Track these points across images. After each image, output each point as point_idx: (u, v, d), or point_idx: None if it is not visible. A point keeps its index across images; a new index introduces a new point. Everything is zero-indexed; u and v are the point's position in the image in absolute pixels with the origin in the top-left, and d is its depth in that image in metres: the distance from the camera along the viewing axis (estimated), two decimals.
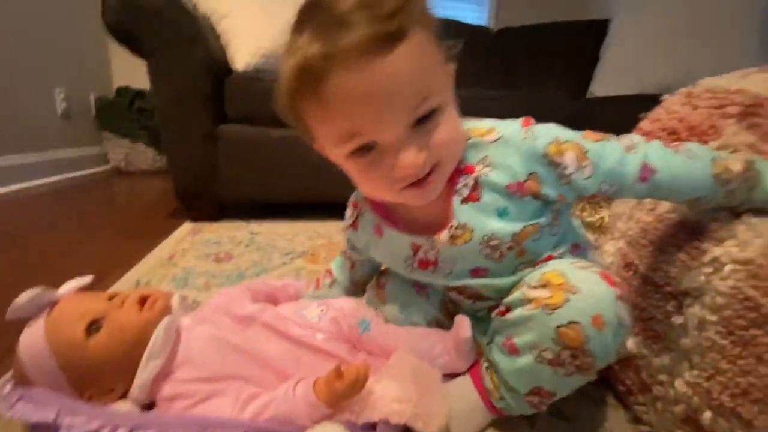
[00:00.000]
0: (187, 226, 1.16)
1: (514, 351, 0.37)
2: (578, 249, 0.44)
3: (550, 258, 0.40)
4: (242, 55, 1.20)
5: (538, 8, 2.43)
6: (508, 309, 0.39)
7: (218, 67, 1.17)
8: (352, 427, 0.36)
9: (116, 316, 0.39)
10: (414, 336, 0.46)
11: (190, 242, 1.02)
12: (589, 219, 1.16)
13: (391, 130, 0.33)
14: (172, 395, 0.37)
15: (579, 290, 0.33)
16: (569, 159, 0.36)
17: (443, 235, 0.40)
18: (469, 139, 0.39)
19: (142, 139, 2.16)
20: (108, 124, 2.13)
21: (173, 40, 1.07)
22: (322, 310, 0.47)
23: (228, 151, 1.18)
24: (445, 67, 0.36)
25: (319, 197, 1.21)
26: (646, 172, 0.36)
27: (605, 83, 1.71)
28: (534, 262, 0.40)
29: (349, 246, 0.55)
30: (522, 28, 2.04)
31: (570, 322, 0.33)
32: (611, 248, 0.52)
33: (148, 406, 0.39)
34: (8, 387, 0.37)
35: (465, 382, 0.43)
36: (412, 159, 0.33)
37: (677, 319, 0.38)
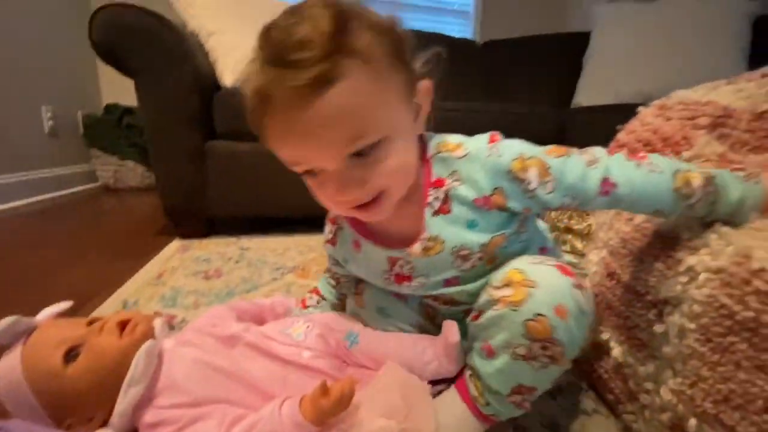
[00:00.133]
0: (176, 244, 1.15)
1: (490, 353, 0.39)
2: (546, 251, 0.46)
3: None
4: (230, 71, 1.21)
5: (522, 21, 2.49)
6: (480, 313, 0.40)
7: (206, 83, 1.18)
8: None
9: (95, 342, 0.38)
10: (403, 344, 0.46)
11: (179, 260, 1.01)
12: (576, 227, 1.18)
13: (328, 163, 0.35)
14: (154, 422, 0.36)
15: (538, 284, 0.35)
16: (532, 175, 0.38)
17: (416, 247, 0.42)
18: (439, 153, 0.41)
19: (131, 156, 2.15)
20: (96, 141, 2.12)
21: (161, 58, 1.08)
22: (308, 327, 0.46)
23: (217, 167, 1.18)
24: (398, 98, 0.36)
25: (309, 211, 1.20)
26: (607, 186, 0.37)
27: (589, 93, 1.74)
28: None
29: (331, 262, 0.56)
30: (507, 41, 2.09)
31: (536, 315, 0.34)
32: (595, 257, 0.53)
33: None
34: None
35: (451, 395, 0.43)
36: (344, 196, 0.36)
37: (659, 328, 0.39)
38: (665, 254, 0.40)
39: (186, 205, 1.18)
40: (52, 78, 1.94)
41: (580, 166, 0.38)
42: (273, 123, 0.34)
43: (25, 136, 1.75)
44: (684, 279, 0.36)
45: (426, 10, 2.63)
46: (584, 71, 1.81)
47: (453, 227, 0.40)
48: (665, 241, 0.41)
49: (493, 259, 0.42)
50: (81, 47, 2.05)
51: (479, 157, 0.39)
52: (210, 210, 1.20)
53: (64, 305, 0.43)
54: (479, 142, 0.40)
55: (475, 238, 0.40)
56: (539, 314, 0.34)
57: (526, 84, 1.95)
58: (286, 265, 0.98)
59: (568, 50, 1.92)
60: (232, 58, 1.22)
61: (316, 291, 0.60)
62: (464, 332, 0.45)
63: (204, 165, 1.17)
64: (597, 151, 0.40)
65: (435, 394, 0.43)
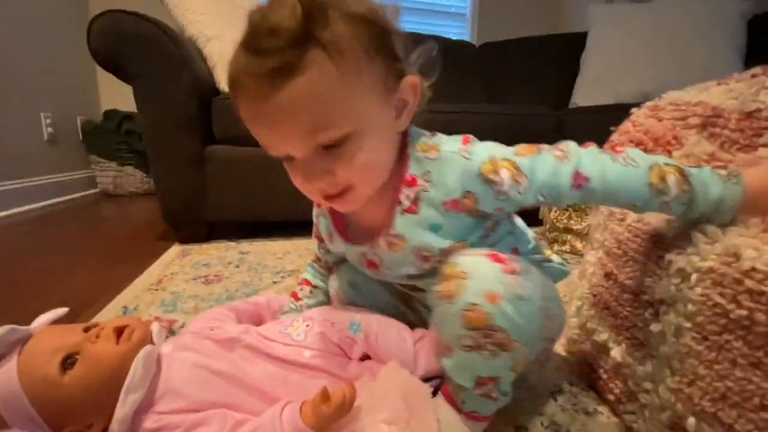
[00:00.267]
0: (175, 249, 1.15)
1: (446, 349, 0.39)
2: (516, 253, 0.45)
3: None
4: None
5: (518, 23, 2.50)
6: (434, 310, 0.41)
7: (205, 88, 1.18)
8: None
9: (92, 349, 0.38)
10: (401, 336, 0.47)
11: (179, 265, 1.01)
12: (576, 227, 1.18)
13: (295, 151, 0.36)
14: (155, 428, 0.36)
15: (469, 274, 0.36)
16: (505, 176, 0.38)
17: (381, 241, 0.43)
18: (416, 152, 0.41)
19: (131, 162, 2.16)
20: (95, 147, 2.13)
21: (159, 64, 1.08)
22: (307, 326, 0.46)
23: (216, 172, 1.18)
24: (372, 93, 0.36)
25: (308, 215, 1.21)
26: (579, 180, 0.37)
27: (586, 94, 1.75)
28: None
29: (323, 250, 0.57)
30: (503, 42, 2.10)
31: (469, 305, 0.35)
32: (592, 258, 0.53)
33: None
34: None
35: (439, 401, 0.43)
36: (310, 185, 0.37)
37: (655, 327, 0.39)
38: (655, 254, 0.40)
39: (185, 210, 1.18)
40: (51, 85, 1.94)
41: (550, 162, 0.38)
42: (243, 108, 0.35)
43: (24, 143, 1.75)
44: (676, 280, 0.36)
45: (423, 13, 2.64)
46: (581, 72, 1.82)
47: (417, 228, 0.41)
48: (655, 241, 0.41)
49: None
50: (80, 54, 2.06)
51: (451, 160, 0.39)
52: (209, 215, 1.21)
53: (60, 312, 0.42)
54: (452, 145, 0.41)
55: (436, 243, 0.41)
56: (472, 303, 0.35)
57: (523, 85, 1.96)
58: (285, 269, 0.98)
59: (565, 51, 1.93)
60: None
61: (306, 282, 0.59)
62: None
63: (203, 170, 1.17)
64: (568, 145, 0.39)
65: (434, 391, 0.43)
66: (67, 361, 0.37)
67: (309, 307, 0.57)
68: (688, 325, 0.35)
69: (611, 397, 0.48)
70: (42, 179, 1.83)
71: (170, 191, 1.17)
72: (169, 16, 1.28)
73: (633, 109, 0.57)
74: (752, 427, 0.32)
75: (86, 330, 0.40)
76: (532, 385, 0.53)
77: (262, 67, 0.31)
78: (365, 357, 0.48)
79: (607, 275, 0.48)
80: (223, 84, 1.22)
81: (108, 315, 0.73)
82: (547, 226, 1.26)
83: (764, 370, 0.30)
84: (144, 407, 0.37)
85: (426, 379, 0.43)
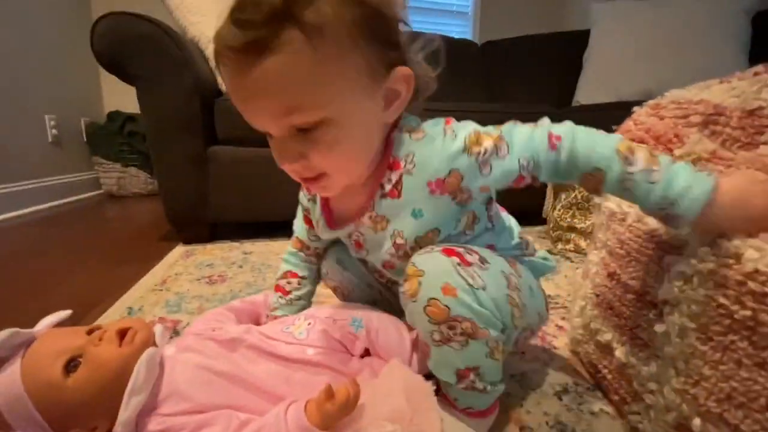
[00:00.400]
0: (179, 249, 1.15)
1: (426, 347, 0.39)
2: (492, 249, 0.45)
3: None
4: None
5: (521, 21, 2.49)
6: None
7: (207, 89, 1.19)
8: None
9: (95, 352, 0.38)
10: (399, 334, 0.47)
11: (182, 265, 1.01)
12: (579, 225, 1.18)
13: (270, 129, 0.36)
14: (159, 430, 0.36)
15: (424, 271, 0.37)
16: (487, 144, 0.38)
17: (365, 218, 0.43)
18: (401, 133, 0.41)
19: (134, 163, 2.17)
20: (99, 149, 2.14)
21: (162, 66, 1.09)
22: (309, 324, 0.47)
23: (219, 172, 1.19)
24: (354, 81, 0.34)
25: None
26: (553, 139, 0.38)
27: (589, 92, 1.74)
28: None
29: (312, 237, 0.56)
30: (506, 41, 2.09)
31: (429, 300, 0.36)
32: (595, 258, 0.53)
33: None
34: None
35: (440, 400, 0.43)
36: (284, 166, 0.38)
37: (660, 327, 0.39)
38: (657, 255, 0.40)
39: (189, 210, 1.19)
40: (55, 87, 1.96)
41: (526, 128, 0.40)
42: (224, 80, 0.35)
43: (29, 145, 1.77)
44: (678, 282, 0.36)
45: (425, 12, 2.64)
46: (584, 70, 1.81)
47: (398, 211, 0.41)
48: (655, 242, 0.41)
49: None
50: (83, 56, 2.08)
51: (436, 139, 0.39)
52: (212, 215, 1.21)
53: (63, 314, 0.42)
54: (436, 126, 0.41)
55: (414, 228, 0.41)
56: (431, 298, 0.35)
57: (525, 83, 1.95)
58: None
59: (568, 49, 1.92)
60: None
61: (292, 274, 0.58)
62: None
63: (206, 171, 1.18)
64: (543, 119, 0.41)
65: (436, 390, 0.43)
66: (71, 364, 0.37)
67: (300, 298, 0.57)
68: (693, 325, 0.35)
69: (616, 398, 0.48)
70: (46, 181, 1.84)
71: (173, 192, 1.17)
72: (171, 17, 1.28)
73: (635, 108, 0.56)
74: (758, 427, 0.31)
75: (89, 332, 0.40)
76: (537, 384, 0.53)
77: (238, 40, 0.31)
78: (366, 353, 0.48)
79: (611, 275, 0.48)
80: (225, 85, 1.22)
81: (113, 316, 0.73)
82: (551, 225, 1.26)
83: None
84: (147, 410, 0.37)
85: (428, 378, 0.43)
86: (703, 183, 0.33)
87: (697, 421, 0.36)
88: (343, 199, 0.45)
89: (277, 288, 0.58)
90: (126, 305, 0.78)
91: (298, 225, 0.57)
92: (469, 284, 0.36)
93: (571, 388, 0.53)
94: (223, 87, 1.23)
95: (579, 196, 1.16)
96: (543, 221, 1.33)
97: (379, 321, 0.48)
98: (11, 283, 0.93)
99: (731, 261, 0.32)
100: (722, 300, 0.32)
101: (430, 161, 0.39)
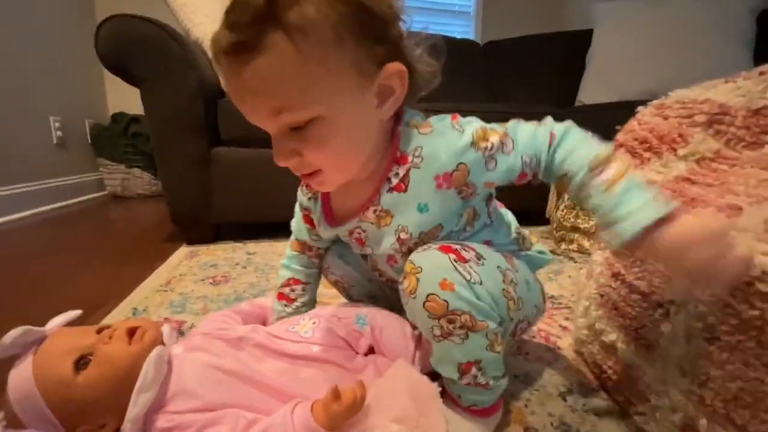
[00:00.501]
0: (183, 250, 1.16)
1: (425, 343, 0.40)
2: (490, 244, 0.46)
3: None
4: None
5: (523, 21, 2.49)
6: None
7: (211, 90, 1.19)
8: None
9: (105, 350, 0.38)
10: (402, 332, 0.47)
11: (186, 266, 1.02)
12: (583, 225, 1.17)
13: (265, 127, 0.37)
14: (167, 428, 0.36)
15: (422, 268, 0.37)
16: (494, 139, 0.40)
17: (369, 212, 0.44)
18: (407, 128, 0.41)
19: (138, 164, 2.18)
20: (103, 150, 2.15)
21: (165, 68, 1.09)
22: (314, 323, 0.47)
23: (222, 173, 1.19)
24: (341, 79, 0.34)
25: None
26: (551, 138, 0.40)
27: (592, 92, 1.74)
28: None
29: (314, 237, 0.55)
30: (508, 40, 2.09)
31: (428, 296, 0.36)
32: (599, 258, 0.53)
33: None
34: (0, 428, 0.37)
35: (445, 401, 0.43)
36: (280, 162, 0.38)
37: (666, 327, 0.38)
38: None
39: (192, 211, 1.19)
40: (60, 89, 1.97)
41: (530, 126, 0.41)
42: (222, 78, 0.37)
43: (34, 147, 1.78)
44: (685, 282, 0.36)
45: (427, 12, 2.64)
46: (587, 69, 1.80)
47: (403, 205, 0.41)
48: None
49: None
50: (87, 57, 2.09)
51: (444, 134, 0.40)
52: (216, 216, 1.22)
53: (73, 314, 0.43)
54: (443, 121, 0.42)
55: (419, 222, 0.41)
56: (430, 294, 0.36)
57: (528, 83, 1.95)
58: None
59: (570, 49, 1.91)
60: None
61: (295, 281, 0.57)
62: None
63: (209, 171, 1.18)
64: (547, 118, 0.42)
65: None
66: (81, 362, 0.38)
67: (304, 305, 0.57)
68: (699, 325, 0.34)
69: (621, 398, 0.48)
70: (51, 182, 1.85)
71: (177, 193, 1.18)
72: (175, 19, 1.29)
73: (639, 108, 0.56)
74: (765, 428, 0.31)
75: (99, 331, 0.41)
76: (541, 385, 0.53)
77: (227, 41, 0.32)
78: (370, 351, 0.48)
79: (615, 275, 0.48)
80: None
81: (118, 316, 0.74)
82: (554, 225, 1.25)
83: None
84: (156, 407, 0.37)
85: (432, 378, 0.44)
86: (651, 211, 0.32)
87: (703, 422, 0.36)
88: (344, 195, 0.46)
89: (281, 296, 0.57)
90: (131, 306, 0.78)
91: (297, 227, 0.56)
92: (466, 279, 0.36)
93: (576, 388, 0.53)
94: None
95: None
96: (546, 221, 1.32)
97: (383, 319, 0.48)
98: (17, 283, 0.94)
99: None
100: (729, 300, 0.32)
101: (438, 155, 0.40)
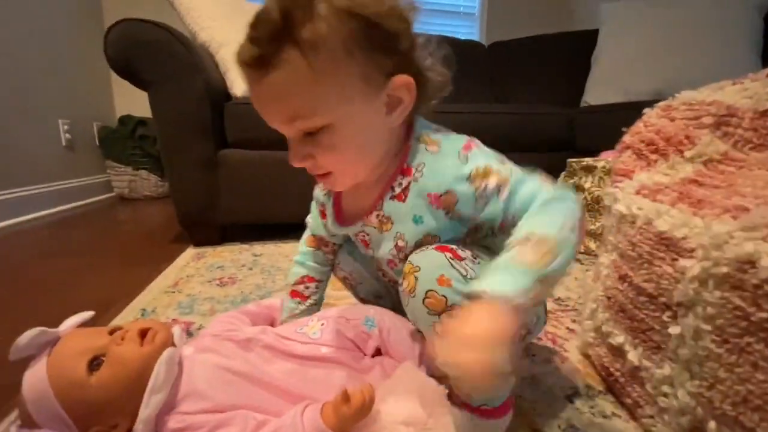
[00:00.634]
0: (190, 251, 1.17)
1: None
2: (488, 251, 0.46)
3: None
4: (240, 81, 1.23)
5: (528, 22, 2.48)
6: None
7: (217, 93, 1.20)
8: None
9: (117, 351, 0.39)
10: (409, 334, 0.48)
11: (194, 268, 1.03)
12: (589, 227, 1.17)
13: (282, 131, 0.40)
14: (178, 428, 0.37)
15: (420, 267, 0.39)
16: (492, 181, 0.39)
17: (372, 216, 0.46)
18: (417, 142, 0.42)
19: (145, 166, 2.20)
20: (111, 152, 2.17)
21: (173, 71, 1.10)
22: (323, 325, 0.47)
23: (229, 175, 1.20)
24: (351, 90, 0.36)
25: None
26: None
27: (597, 92, 1.73)
28: None
29: (329, 234, 0.56)
30: (513, 41, 2.09)
31: (427, 293, 0.37)
32: (606, 260, 0.53)
33: None
34: (14, 429, 0.37)
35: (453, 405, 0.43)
36: (295, 164, 0.40)
37: (674, 330, 0.38)
38: (670, 257, 0.40)
39: (199, 213, 1.20)
40: (69, 92, 2.00)
41: (532, 187, 0.39)
42: (247, 85, 0.38)
43: (43, 150, 1.80)
44: (693, 284, 0.36)
45: (431, 13, 2.64)
46: (592, 70, 1.80)
47: (402, 215, 0.43)
48: (667, 245, 0.41)
49: None
50: (95, 61, 2.12)
51: (447, 157, 0.41)
52: (223, 217, 1.23)
53: (86, 315, 0.44)
54: (454, 145, 0.41)
55: (414, 233, 0.43)
56: (429, 290, 0.37)
57: (533, 84, 1.94)
58: None
59: (576, 49, 1.91)
60: None
61: (309, 279, 0.58)
62: None
63: (216, 174, 1.19)
64: (568, 191, 0.40)
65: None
66: (94, 363, 0.38)
67: (316, 303, 0.58)
68: (708, 327, 0.34)
69: (629, 401, 0.48)
70: (60, 184, 1.88)
71: (184, 194, 1.19)
72: (182, 22, 1.30)
73: (646, 110, 0.56)
74: None
75: (111, 332, 0.41)
76: (548, 387, 0.53)
77: (248, 54, 0.35)
78: (377, 353, 0.49)
79: (622, 278, 0.48)
80: (235, 89, 1.24)
81: (127, 317, 0.75)
82: None
83: None
84: (167, 408, 0.38)
85: (440, 381, 0.44)
86: (496, 289, 0.32)
87: (712, 425, 0.36)
88: (354, 196, 0.48)
89: (295, 294, 0.58)
90: (139, 307, 0.79)
91: (314, 223, 0.57)
92: (462, 275, 0.37)
93: (583, 391, 0.53)
94: (232, 91, 1.25)
95: (589, 198, 1.15)
96: None
97: (390, 320, 0.48)
98: (28, 284, 0.95)
99: (746, 266, 0.32)
100: (738, 302, 0.32)
101: (435, 176, 0.41)
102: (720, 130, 0.45)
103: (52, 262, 1.13)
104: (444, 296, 0.36)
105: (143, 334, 0.41)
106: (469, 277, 0.37)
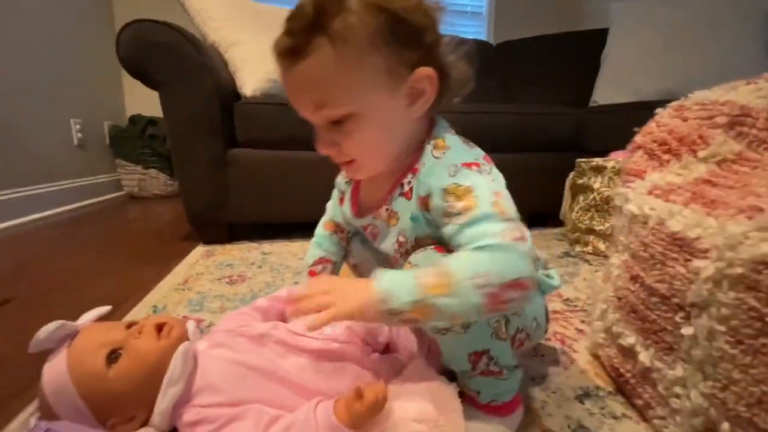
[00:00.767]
0: (200, 250, 1.18)
1: (434, 344, 0.41)
2: None
3: None
4: (250, 81, 1.24)
5: (537, 21, 2.47)
6: None
7: (227, 93, 1.21)
8: None
9: (135, 345, 0.40)
10: (419, 332, 0.49)
11: (203, 265, 1.04)
12: (598, 227, 1.16)
13: (310, 119, 0.42)
14: (193, 421, 0.37)
15: (418, 266, 0.39)
16: (459, 205, 0.37)
17: (382, 210, 0.47)
18: (428, 144, 0.43)
19: (154, 165, 2.22)
20: (121, 151, 2.20)
21: (184, 72, 1.12)
22: None
23: (238, 174, 1.21)
24: (375, 80, 0.38)
25: None
26: (472, 244, 0.36)
27: (607, 92, 1.72)
28: None
29: (345, 221, 0.58)
30: (521, 41, 2.08)
31: None
32: (617, 261, 0.53)
33: None
34: (33, 420, 0.38)
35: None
36: (322, 151, 0.43)
37: (687, 330, 0.38)
38: (683, 258, 0.40)
39: (208, 211, 1.22)
40: (81, 91, 2.02)
41: (493, 227, 0.36)
42: (279, 75, 0.40)
43: (56, 148, 1.83)
44: (708, 285, 0.35)
45: None
46: (602, 69, 1.78)
47: (405, 212, 0.44)
48: (680, 245, 0.40)
49: None
50: (106, 61, 2.15)
51: (443, 168, 0.40)
52: (231, 216, 1.24)
53: (104, 310, 0.45)
54: (457, 157, 0.40)
55: (412, 230, 0.44)
56: None
57: (542, 84, 1.93)
58: None
59: (585, 49, 1.89)
60: (252, 69, 1.25)
61: (326, 260, 0.60)
62: None
63: (225, 173, 1.20)
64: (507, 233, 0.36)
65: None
66: (112, 356, 0.39)
67: None
68: (722, 328, 0.34)
69: (639, 402, 0.47)
70: (72, 183, 1.90)
71: (194, 194, 1.20)
72: (192, 23, 1.31)
73: (658, 109, 0.56)
74: None
75: (128, 327, 0.42)
76: (558, 387, 0.53)
77: (282, 45, 0.37)
78: (386, 349, 0.49)
79: (634, 278, 0.48)
80: (244, 89, 1.25)
81: (139, 314, 0.76)
82: (569, 227, 1.24)
83: None
84: (182, 401, 0.39)
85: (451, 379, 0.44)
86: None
87: (725, 426, 0.35)
88: (369, 188, 0.50)
89: (312, 273, 0.60)
90: (151, 304, 0.80)
91: (333, 209, 0.60)
92: None
93: (593, 391, 0.52)
94: (241, 91, 1.26)
95: (598, 198, 1.14)
96: (560, 223, 1.31)
97: None
98: (42, 281, 0.97)
99: (761, 266, 0.31)
100: (753, 303, 0.31)
101: (426, 179, 0.41)
102: (734, 130, 0.44)
103: (65, 259, 1.14)
104: None
105: (160, 328, 0.42)
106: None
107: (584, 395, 0.52)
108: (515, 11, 2.70)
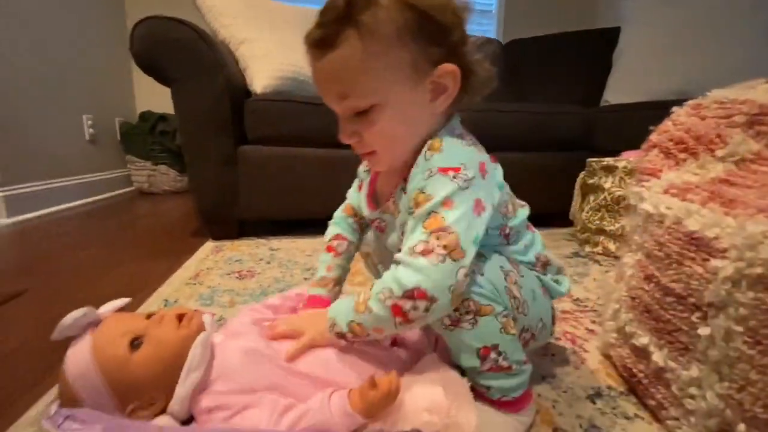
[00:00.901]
0: (209, 245, 1.19)
1: (442, 342, 0.43)
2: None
3: None
4: (260, 78, 1.25)
5: (547, 19, 2.45)
6: None
7: (237, 90, 1.22)
8: None
9: (156, 333, 0.41)
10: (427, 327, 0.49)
11: (213, 261, 1.05)
12: (608, 228, 1.15)
13: (335, 109, 0.43)
14: (210, 407, 0.38)
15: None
16: (415, 210, 0.39)
17: (390, 203, 0.49)
18: (432, 141, 0.42)
19: (164, 161, 2.24)
20: (131, 147, 2.22)
21: (195, 69, 1.12)
22: None
23: (248, 171, 1.22)
24: (399, 73, 0.39)
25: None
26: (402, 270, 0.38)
27: (618, 91, 1.70)
28: None
29: (360, 209, 0.60)
30: (531, 39, 2.06)
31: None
32: (630, 260, 0.52)
33: (186, 421, 0.41)
34: (54, 406, 0.39)
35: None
36: (344, 141, 0.44)
37: (704, 330, 0.38)
38: (701, 257, 0.39)
39: (218, 207, 1.23)
40: (92, 88, 2.05)
41: (420, 240, 0.37)
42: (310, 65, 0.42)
43: (68, 144, 1.86)
44: (726, 285, 0.35)
45: None
46: (614, 68, 1.77)
47: (403, 206, 0.45)
48: (697, 245, 0.40)
49: None
50: (117, 57, 2.17)
51: (425, 169, 0.40)
52: (241, 212, 1.25)
53: (124, 301, 0.46)
54: (442, 160, 0.40)
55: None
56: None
57: (552, 83, 1.92)
58: (315, 266, 0.99)
59: (596, 47, 1.88)
60: (262, 66, 1.26)
61: (342, 237, 0.61)
62: None
63: (235, 169, 1.21)
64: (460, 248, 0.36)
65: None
66: (135, 343, 0.40)
67: (345, 260, 0.61)
68: (740, 329, 0.34)
69: (652, 402, 0.47)
70: (83, 178, 1.93)
71: (204, 190, 1.21)
72: (203, 19, 1.32)
73: (674, 108, 0.55)
74: None
75: (148, 317, 0.44)
76: (569, 387, 0.53)
77: (313, 36, 0.39)
78: (394, 342, 0.50)
79: (648, 278, 0.47)
80: (254, 86, 1.25)
81: (150, 307, 0.77)
82: (579, 227, 1.24)
83: None
84: (200, 388, 0.40)
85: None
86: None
87: (741, 427, 0.35)
88: (384, 180, 0.52)
89: (329, 248, 0.62)
90: (162, 298, 0.81)
91: (353, 195, 0.61)
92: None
93: (605, 391, 0.52)
94: (252, 88, 1.26)
95: (608, 198, 1.14)
96: (570, 223, 1.31)
97: None
98: (55, 274, 0.98)
99: None
100: None
101: (413, 179, 0.42)
102: (753, 129, 0.44)
103: (76, 253, 1.16)
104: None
105: (180, 317, 0.44)
106: (472, 271, 0.39)
107: (596, 395, 0.51)
108: (525, 9, 2.69)
